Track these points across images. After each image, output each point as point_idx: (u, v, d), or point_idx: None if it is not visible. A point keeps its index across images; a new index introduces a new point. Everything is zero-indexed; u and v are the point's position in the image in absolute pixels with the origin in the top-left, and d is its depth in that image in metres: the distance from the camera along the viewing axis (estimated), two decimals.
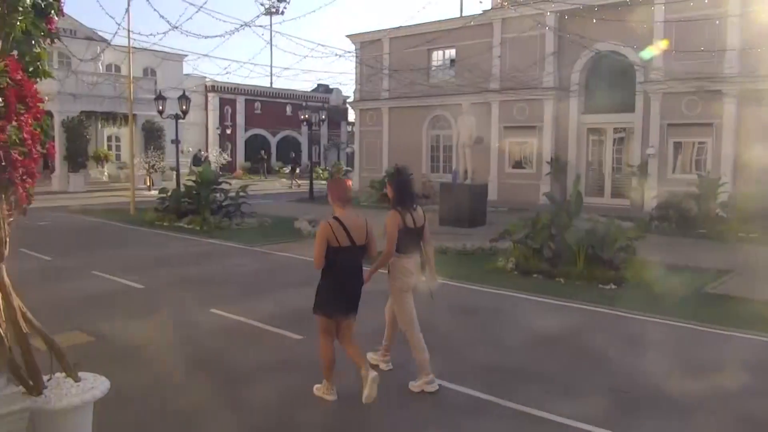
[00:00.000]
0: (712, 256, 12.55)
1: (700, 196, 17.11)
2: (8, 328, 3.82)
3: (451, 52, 29.31)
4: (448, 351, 6.91)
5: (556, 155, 25.52)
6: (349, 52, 31.33)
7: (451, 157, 28.61)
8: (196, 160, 35.45)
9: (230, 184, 20.21)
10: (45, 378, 4.01)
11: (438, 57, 30.11)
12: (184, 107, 22.69)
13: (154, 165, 33.15)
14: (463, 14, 31.92)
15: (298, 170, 40.85)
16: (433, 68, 30.16)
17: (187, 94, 23.17)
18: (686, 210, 16.87)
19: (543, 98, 25.68)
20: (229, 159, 47.38)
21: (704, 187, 17.32)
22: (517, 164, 27.11)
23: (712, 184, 17.45)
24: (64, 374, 4.14)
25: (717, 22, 20.49)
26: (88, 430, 4.10)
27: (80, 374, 4.18)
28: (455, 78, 28.39)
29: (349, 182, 6.02)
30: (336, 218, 5.50)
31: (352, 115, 43.71)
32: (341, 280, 5.52)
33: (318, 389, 5.62)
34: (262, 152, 48.21)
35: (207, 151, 43.49)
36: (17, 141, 3.59)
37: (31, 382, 3.89)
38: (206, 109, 49.53)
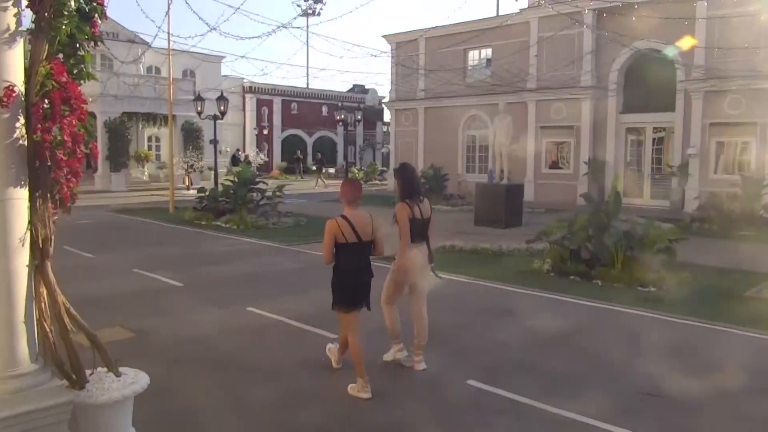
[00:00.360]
0: (755, 259, 12.22)
1: (743, 197, 16.70)
2: (53, 324, 3.93)
3: (488, 52, 29.12)
4: (482, 352, 6.89)
5: (594, 155, 25.16)
6: (385, 52, 31.40)
7: (486, 158, 28.45)
8: (235, 160, 35.88)
9: (267, 184, 20.42)
10: (87, 372, 4.11)
11: (474, 56, 29.95)
12: (222, 108, 23.02)
13: (192, 165, 33.66)
14: (500, 13, 31.70)
15: (324, 170, 40.96)
16: (469, 68, 30.01)
17: (225, 95, 23.50)
18: (728, 211, 16.48)
19: (580, 97, 25.35)
20: (266, 159, 47.81)
21: (747, 188, 16.89)
22: (554, 164, 26.82)
23: (756, 185, 17.01)
24: (105, 369, 4.23)
25: (762, 18, 19.96)
26: (128, 424, 4.19)
27: (121, 369, 4.28)
28: (491, 78, 28.21)
29: (361, 183, 6.37)
30: (343, 216, 5.73)
31: (387, 116, 43.74)
32: (350, 275, 5.77)
33: (352, 388, 5.69)
34: (299, 152, 48.55)
35: (244, 151, 43.95)
36: (62, 141, 3.69)
37: (74, 377, 3.99)
38: (244, 109, 50.07)
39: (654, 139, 24.75)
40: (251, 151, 45.68)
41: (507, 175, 17.96)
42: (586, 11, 23.85)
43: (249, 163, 36.23)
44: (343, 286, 5.78)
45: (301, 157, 48.35)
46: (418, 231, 6.23)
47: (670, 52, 22.05)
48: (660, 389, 5.79)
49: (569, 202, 23.57)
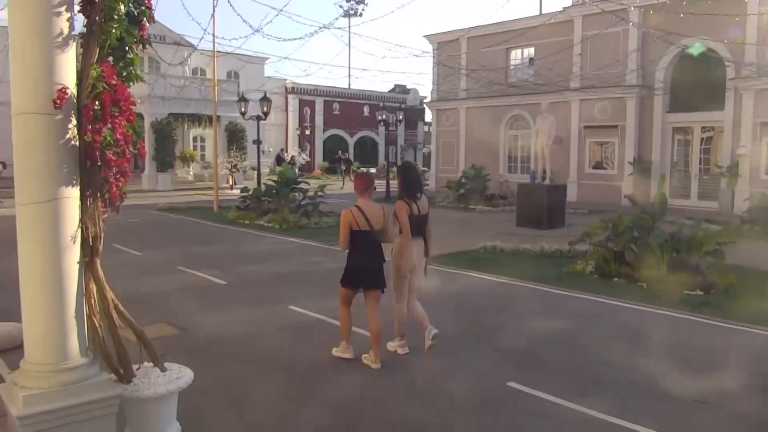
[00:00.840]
0: None
1: None
2: (102, 319, 4.04)
3: (530, 51, 28.83)
4: (523, 354, 6.82)
5: (639, 155, 24.68)
6: (427, 52, 31.34)
7: (529, 158, 28.15)
8: (279, 160, 36.28)
9: (308, 184, 20.60)
10: (134, 367, 4.22)
11: (516, 56, 29.69)
12: (265, 109, 23.32)
13: (236, 165, 34.15)
14: (543, 12, 31.35)
15: (343, 168, 41.08)
16: (512, 67, 29.75)
17: (268, 95, 23.80)
18: None
19: (625, 97, 24.90)
20: (308, 159, 48.22)
21: None
22: (598, 165, 26.40)
23: None
24: (151, 364, 4.34)
25: None
26: (173, 418, 4.29)
27: (166, 365, 4.37)
28: (534, 77, 27.92)
29: (372, 177, 7.02)
30: (357, 206, 6.40)
31: (429, 116, 43.66)
32: (363, 258, 6.37)
33: (336, 350, 6.55)
34: (339, 152, 48.87)
35: (287, 151, 44.41)
36: (111, 142, 3.80)
37: (121, 371, 4.09)
38: (286, 110, 50.59)
39: (702, 139, 24.14)
40: (294, 151, 46.10)
41: (549, 176, 17.74)
42: (632, 8, 23.42)
43: (294, 163, 36.55)
44: (352, 269, 6.42)
45: (343, 156, 48.61)
46: (416, 226, 6.65)
47: (695, 50, 21.49)
48: (707, 396, 5.66)
49: (613, 203, 23.18)
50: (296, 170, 30.23)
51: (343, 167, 42.08)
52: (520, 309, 8.83)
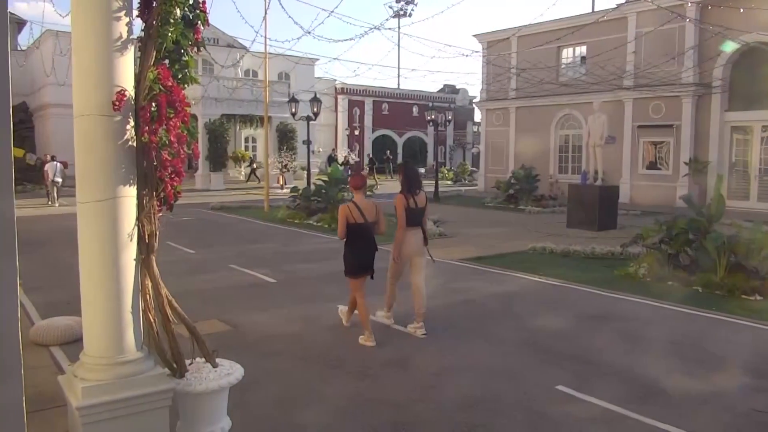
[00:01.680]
0: None
1: None
2: (156, 315, 4.16)
3: (582, 49, 28.33)
4: (572, 357, 6.72)
5: (695, 155, 23.98)
6: (476, 51, 31.09)
7: (580, 158, 27.69)
8: (331, 161, 36.54)
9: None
10: (187, 362, 4.32)
11: (568, 54, 29.21)
12: (315, 109, 23.55)
13: (286, 165, 34.58)
14: (595, 9, 30.76)
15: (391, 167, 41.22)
16: (563, 66, 29.30)
17: (318, 96, 24.02)
18: None
19: (681, 95, 24.21)
20: (357, 159, 48.49)
21: None
22: (652, 165, 25.75)
23: None
24: (203, 360, 4.44)
25: None
26: (223, 413, 4.38)
27: (218, 360, 4.47)
28: (586, 76, 27.42)
29: (365, 177, 7.80)
30: (353, 201, 7.20)
31: (478, 116, 43.36)
32: (358, 248, 7.17)
33: (362, 339, 7.08)
34: (388, 152, 48.98)
35: (336, 151, 44.73)
36: (167, 142, 3.90)
37: (174, 365, 4.20)
38: (336, 110, 50.97)
39: (763, 138, 23.29)
40: (344, 151, 46.33)
41: (601, 176, 17.42)
42: (689, 4, 22.76)
43: (347, 163, 36.74)
44: (352, 258, 7.18)
45: (391, 157, 48.72)
46: (414, 218, 7.41)
47: (727, 47, 20.71)
48: (759, 404, 5.48)
49: (667, 204, 22.61)
50: (349, 171, 30.49)
51: (391, 166, 42.35)
52: (570, 312, 8.70)
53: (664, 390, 5.83)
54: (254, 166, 38.15)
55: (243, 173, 39.22)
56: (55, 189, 23.77)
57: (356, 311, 7.45)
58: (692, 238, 10.42)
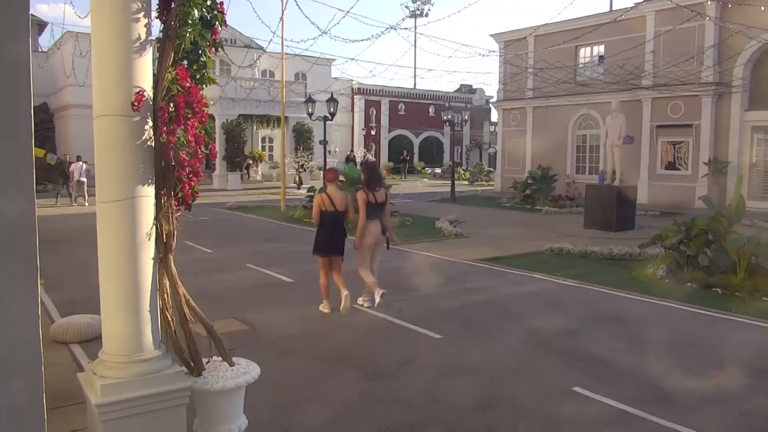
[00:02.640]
0: None
1: None
2: (174, 314, 4.19)
3: (600, 49, 28.13)
4: (589, 359, 6.68)
5: (715, 156, 23.72)
6: (493, 51, 31.00)
7: (598, 158, 27.52)
8: (348, 161, 36.56)
9: None
10: (204, 361, 4.35)
11: (585, 54, 29.03)
12: (331, 109, 23.61)
13: (303, 165, 34.69)
14: (613, 8, 30.52)
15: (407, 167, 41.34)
16: (580, 65, 29.11)
17: (334, 96, 24.06)
18: None
19: (701, 94, 23.97)
20: (374, 159, 48.58)
21: None
22: (670, 165, 25.51)
23: None
24: (220, 359, 4.46)
25: None
26: (240, 411, 4.40)
27: (234, 359, 4.49)
28: (604, 75, 27.23)
29: (337, 171, 9.09)
30: (326, 192, 8.28)
31: (495, 115, 43.21)
32: (327, 232, 8.28)
33: (321, 307, 8.39)
34: (405, 153, 49.00)
35: (353, 151, 44.84)
36: (184, 143, 3.94)
37: (192, 364, 4.23)
38: (352, 110, 51.07)
39: None
40: (360, 151, 46.44)
41: (619, 177, 17.29)
42: (709, 2, 22.52)
43: (364, 163, 36.81)
44: (321, 239, 8.30)
45: (408, 157, 48.74)
46: (374, 211, 8.40)
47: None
48: None
49: (686, 205, 22.40)
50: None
51: (406, 166, 42.44)
52: (587, 313, 8.64)
53: (683, 392, 5.77)
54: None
55: (260, 173, 39.40)
56: (81, 188, 24.23)
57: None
58: (712, 239, 10.32)
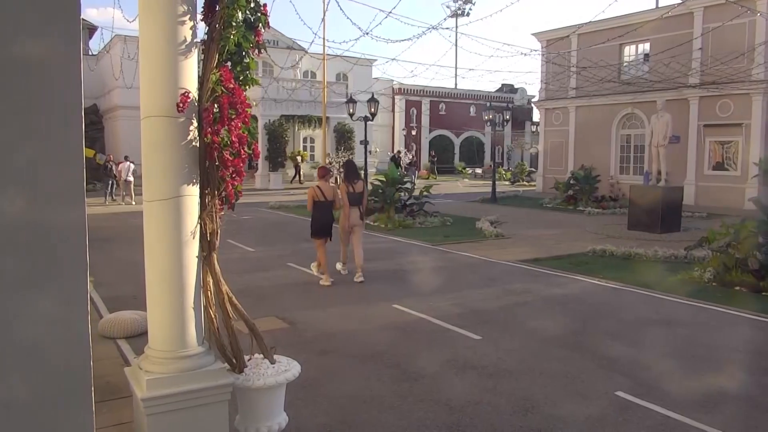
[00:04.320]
0: None
1: None
2: (217, 311, 4.26)
3: (645, 47, 27.57)
4: (633, 363, 6.56)
5: (766, 156, 23.02)
6: (535, 50, 30.61)
7: (642, 158, 26.97)
8: (393, 160, 36.51)
9: (414, 184, 20.71)
10: (246, 358, 4.41)
11: (630, 52, 28.48)
12: (372, 110, 23.68)
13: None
14: (659, 5, 29.90)
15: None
16: (625, 64, 28.57)
17: (375, 97, 24.12)
18: None
19: (751, 92, 23.29)
20: (414, 159, 48.55)
21: None
22: (719, 165, 24.85)
23: None
24: (262, 356, 4.52)
25: None
26: (280, 408, 4.45)
27: (275, 357, 4.54)
28: (649, 73, 26.67)
29: (327, 168, 10.99)
30: (318, 186, 10.09)
31: (536, 115, 42.72)
32: (319, 217, 10.11)
33: (322, 281, 10.15)
34: (432, 153, 49.25)
35: (400, 153, 44.88)
36: (228, 143, 4.00)
37: (234, 361, 4.30)
38: (393, 111, 51.09)
39: None
40: (404, 151, 46.34)
41: (665, 177, 16.93)
42: None
43: (412, 164, 36.75)
44: (315, 224, 10.16)
45: (434, 159, 49.04)
46: (353, 199, 10.35)
47: None
48: None
49: (735, 206, 21.81)
50: (415, 171, 30.68)
51: (434, 167, 42.87)
52: (630, 316, 8.49)
53: (731, 399, 5.63)
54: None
55: (302, 172, 39.74)
56: (128, 188, 24.95)
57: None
58: (762, 241, 10.02)
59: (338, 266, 10.96)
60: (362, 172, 26.29)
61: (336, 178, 21.72)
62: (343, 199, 10.27)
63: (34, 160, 1.97)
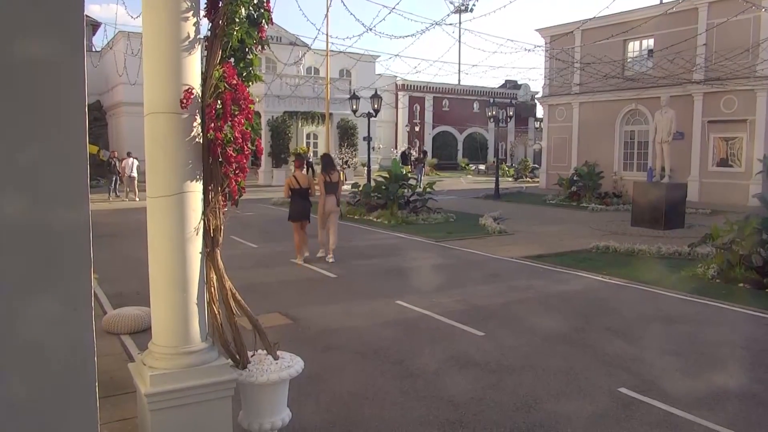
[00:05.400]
0: None
1: None
2: (220, 307, 4.27)
3: (649, 42, 27.48)
4: (636, 359, 6.56)
5: None
6: (539, 46, 30.52)
7: (646, 154, 26.89)
8: (405, 158, 36.39)
9: (421, 182, 20.70)
10: (249, 354, 4.42)
11: (634, 48, 28.40)
12: (376, 106, 23.68)
13: (346, 161, 34.85)
14: (663, 1, 29.78)
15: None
16: (629, 60, 28.49)
17: (378, 93, 24.11)
18: None
19: (756, 88, 23.20)
20: (418, 155, 48.49)
21: None
22: (723, 162, 24.79)
23: None
24: (265, 352, 4.53)
25: None
26: (284, 404, 4.46)
27: (279, 353, 4.55)
28: (653, 69, 26.59)
29: (303, 158, 12.74)
30: (294, 175, 11.42)
31: (540, 111, 42.64)
32: (296, 203, 11.40)
33: (295, 259, 11.60)
34: (423, 148, 49.26)
35: (396, 147, 44.83)
36: (231, 139, 4.00)
37: (238, 357, 4.31)
38: (396, 107, 51.00)
39: None
40: (410, 147, 46.22)
41: (668, 173, 16.89)
42: None
43: (420, 161, 36.65)
44: (292, 209, 11.52)
45: (423, 156, 49.02)
46: (329, 188, 11.57)
47: None
48: None
49: (739, 203, 21.75)
50: (422, 167, 30.65)
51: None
52: (634, 312, 8.49)
53: (734, 396, 5.63)
54: (309, 159, 38.47)
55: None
56: (132, 184, 24.98)
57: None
58: (766, 238, 10.00)
59: (319, 254, 12.06)
60: (365, 168, 26.31)
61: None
62: (321, 187, 11.56)
63: (37, 161, 1.97)
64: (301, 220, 11.44)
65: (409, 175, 21.15)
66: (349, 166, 34.98)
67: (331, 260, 11.54)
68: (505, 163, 48.72)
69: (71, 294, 2.04)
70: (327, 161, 12.27)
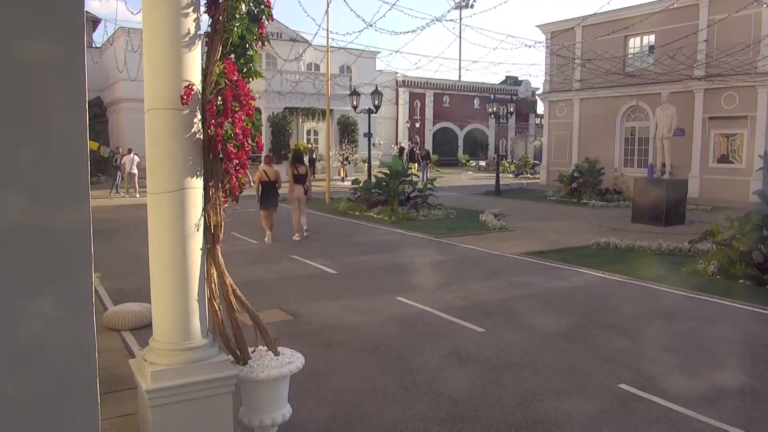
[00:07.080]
0: None
1: None
2: (221, 303, 4.28)
3: (650, 38, 27.43)
4: (636, 355, 6.57)
5: None
6: (540, 42, 30.46)
7: (647, 151, 26.88)
8: (412, 155, 36.27)
9: (418, 177, 20.69)
10: (250, 350, 4.42)
11: (635, 44, 28.35)
12: (376, 102, 23.65)
13: (347, 157, 34.84)
14: None
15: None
16: (630, 56, 28.45)
17: (379, 89, 24.08)
18: None
19: (757, 85, 23.17)
20: (418, 152, 48.48)
21: None
22: (723, 158, 24.77)
23: None
24: (265, 348, 4.53)
25: None
26: (284, 400, 4.47)
27: (279, 349, 4.56)
28: (654, 65, 26.56)
29: (271, 155, 15.61)
30: (263, 169, 13.20)
31: (541, 107, 42.58)
32: (265, 194, 13.23)
33: (266, 238, 13.47)
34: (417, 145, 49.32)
35: (397, 144, 44.79)
36: (232, 135, 4.00)
37: (238, 353, 4.31)
38: (397, 103, 50.96)
39: None
40: (407, 144, 46.23)
41: (669, 170, 16.88)
42: None
43: (425, 157, 36.64)
44: (262, 200, 13.29)
45: (418, 152, 49.06)
46: (298, 179, 13.53)
47: None
48: None
49: (740, 199, 21.74)
50: (427, 162, 30.63)
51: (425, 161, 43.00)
52: (634, 309, 8.49)
53: (734, 392, 5.63)
54: (314, 156, 38.48)
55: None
56: (132, 180, 25.00)
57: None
58: (766, 234, 10.00)
59: (296, 238, 13.82)
60: (365, 165, 26.24)
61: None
62: (290, 178, 13.62)
63: (37, 160, 1.97)
64: (269, 209, 13.40)
65: (416, 172, 21.15)
66: (349, 162, 34.97)
67: (297, 238, 13.65)
68: (506, 159, 48.69)
69: (72, 294, 2.04)
70: (296, 156, 14.13)
